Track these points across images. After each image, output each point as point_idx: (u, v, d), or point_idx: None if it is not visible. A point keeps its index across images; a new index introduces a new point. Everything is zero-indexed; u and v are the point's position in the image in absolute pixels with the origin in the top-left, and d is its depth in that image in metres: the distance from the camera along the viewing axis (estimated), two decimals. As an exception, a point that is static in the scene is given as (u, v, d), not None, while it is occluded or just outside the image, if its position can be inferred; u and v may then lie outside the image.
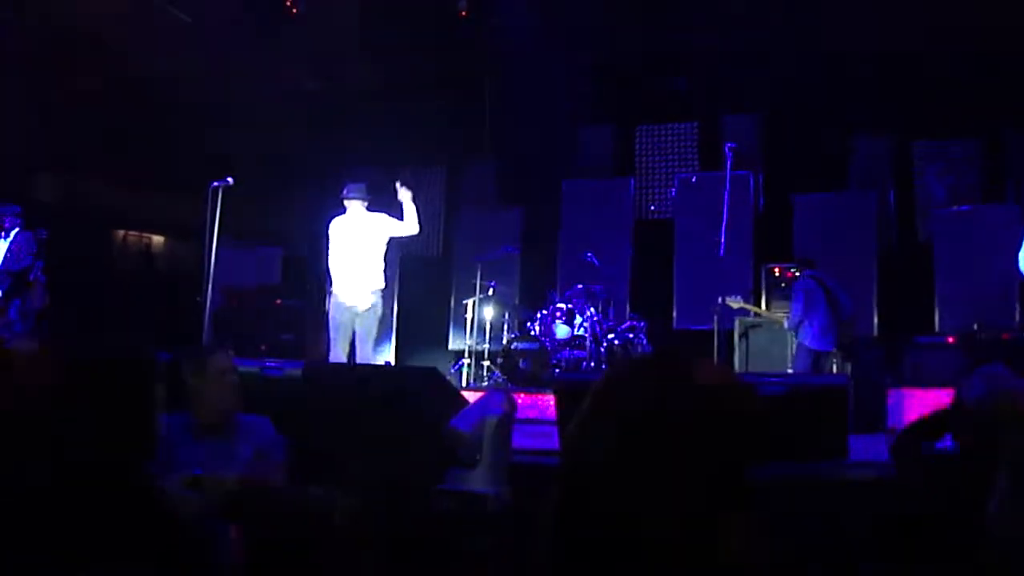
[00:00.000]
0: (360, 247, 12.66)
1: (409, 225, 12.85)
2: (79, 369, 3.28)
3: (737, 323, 14.87)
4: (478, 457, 6.47)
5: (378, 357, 14.01)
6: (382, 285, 12.83)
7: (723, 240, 11.40)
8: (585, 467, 1.95)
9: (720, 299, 14.30)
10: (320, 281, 14.75)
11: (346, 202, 12.83)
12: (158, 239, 19.91)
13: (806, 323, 13.25)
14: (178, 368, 6.29)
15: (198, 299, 11.56)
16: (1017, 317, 14.69)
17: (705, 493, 1.85)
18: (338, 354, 12.49)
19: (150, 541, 3.07)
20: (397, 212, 12.85)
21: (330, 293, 12.82)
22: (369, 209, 12.90)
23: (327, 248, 12.86)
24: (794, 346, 13.56)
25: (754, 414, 1.97)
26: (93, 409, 3.19)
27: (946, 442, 5.23)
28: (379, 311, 12.80)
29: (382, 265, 12.83)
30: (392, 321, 17.43)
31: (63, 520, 2.84)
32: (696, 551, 1.84)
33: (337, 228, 12.81)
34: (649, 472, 1.86)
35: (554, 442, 8.45)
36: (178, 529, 3.28)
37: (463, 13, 17.42)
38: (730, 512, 1.87)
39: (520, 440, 9.03)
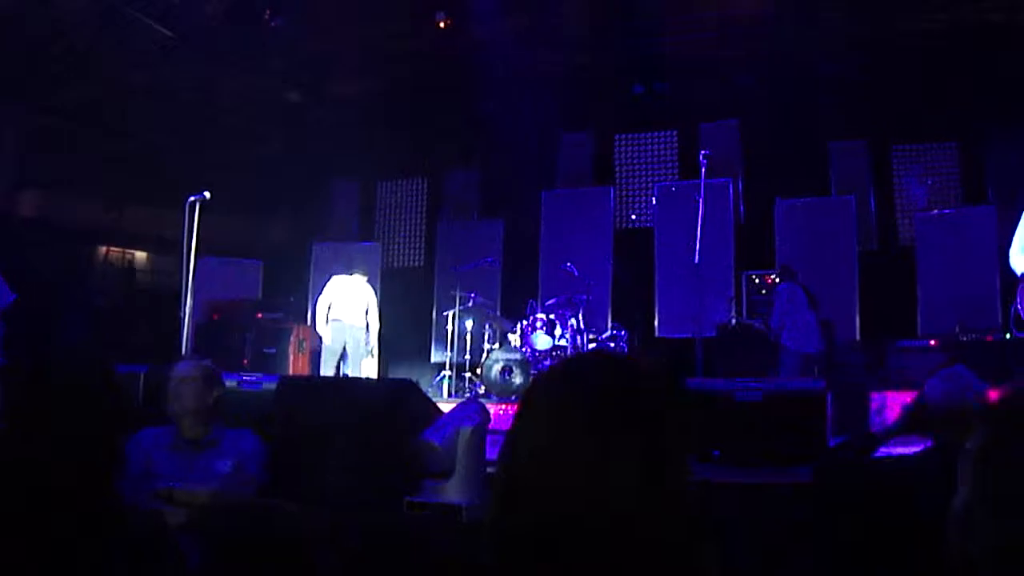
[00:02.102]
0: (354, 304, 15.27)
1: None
2: (33, 385, 3.26)
3: (717, 330, 14.86)
4: (452, 468, 6.43)
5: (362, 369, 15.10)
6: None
7: (698, 248, 11.36)
8: (515, 468, 1.93)
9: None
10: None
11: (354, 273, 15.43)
12: (141, 255, 19.86)
13: (789, 326, 13.25)
14: (157, 383, 6.31)
15: (180, 314, 11.54)
16: (1000, 318, 14.69)
17: (635, 486, 1.83)
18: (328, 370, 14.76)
19: (110, 557, 3.04)
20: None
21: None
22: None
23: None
24: (776, 353, 13.52)
25: (679, 404, 1.96)
26: (48, 424, 3.16)
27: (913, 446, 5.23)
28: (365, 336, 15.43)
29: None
30: (367, 332, 17.48)
31: (20, 541, 2.81)
32: (630, 545, 1.82)
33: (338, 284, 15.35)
34: (576, 467, 1.84)
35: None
36: (142, 544, 3.24)
37: (443, 24, 17.41)
38: (667, 510, 1.86)
39: (496, 451, 9.01)
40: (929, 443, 5.14)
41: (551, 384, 1.99)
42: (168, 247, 15.93)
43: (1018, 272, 9.89)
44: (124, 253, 19.59)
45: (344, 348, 15.07)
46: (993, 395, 2.46)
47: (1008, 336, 12.18)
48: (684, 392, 2.03)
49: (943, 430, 4.97)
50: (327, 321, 15.06)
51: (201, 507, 5.41)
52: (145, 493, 5.52)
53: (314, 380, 12.93)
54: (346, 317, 15.15)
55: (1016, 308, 10.00)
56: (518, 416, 1.98)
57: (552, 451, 1.87)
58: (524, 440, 1.93)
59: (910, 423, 5.22)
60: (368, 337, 15.44)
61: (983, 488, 2.17)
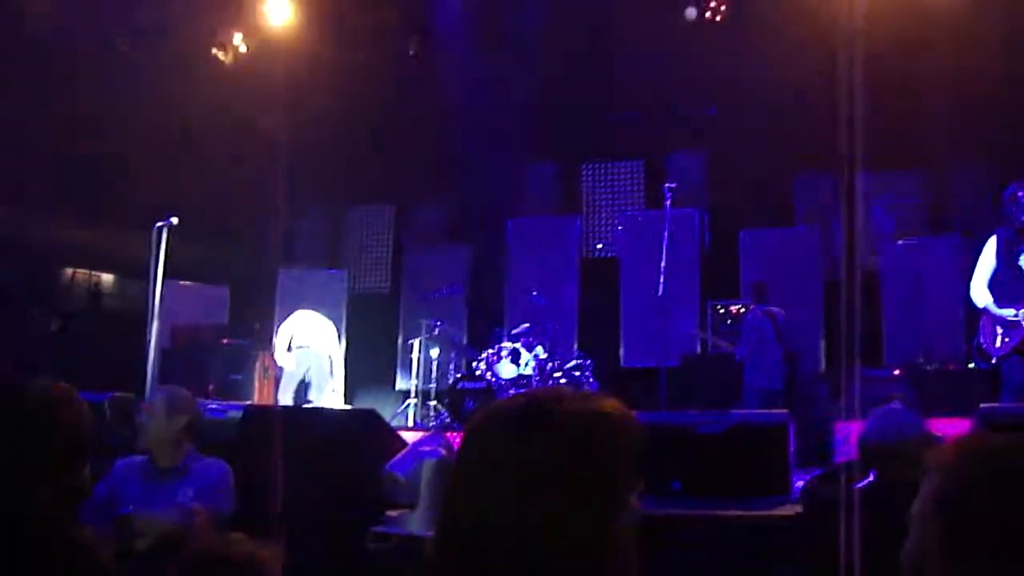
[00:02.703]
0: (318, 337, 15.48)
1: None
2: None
3: (682, 360, 14.88)
4: (415, 500, 6.43)
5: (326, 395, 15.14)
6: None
7: (662, 278, 11.40)
8: (454, 503, 1.95)
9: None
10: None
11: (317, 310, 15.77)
12: (107, 277, 19.75)
13: (755, 360, 13.26)
14: (123, 410, 6.33)
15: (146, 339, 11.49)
16: (964, 348, 14.76)
17: (564, 525, 1.85)
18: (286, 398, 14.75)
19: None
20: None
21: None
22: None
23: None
24: (740, 382, 13.52)
25: (626, 444, 1.97)
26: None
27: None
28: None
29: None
30: (340, 360, 17.40)
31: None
32: None
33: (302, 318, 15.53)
34: (507, 505, 1.86)
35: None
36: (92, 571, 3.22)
37: (413, 52, 17.46)
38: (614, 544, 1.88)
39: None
40: (871, 478, 5.19)
41: (490, 423, 2.00)
42: (135, 271, 15.87)
43: (979, 305, 9.93)
44: (91, 275, 19.50)
45: (307, 374, 15.08)
46: (948, 441, 2.47)
47: (972, 366, 12.23)
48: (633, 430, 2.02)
49: (882, 467, 5.02)
50: (289, 348, 15.03)
51: (160, 535, 5.42)
52: (105, 521, 5.51)
53: (279, 410, 12.88)
54: (311, 343, 15.21)
55: (978, 341, 10.03)
56: (459, 452, 2.01)
57: (484, 489, 1.89)
58: (462, 478, 1.95)
59: (860, 457, 5.29)
60: (331, 366, 15.54)
61: (935, 536, 2.18)
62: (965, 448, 2.29)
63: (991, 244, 9.91)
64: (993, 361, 9.88)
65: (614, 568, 1.90)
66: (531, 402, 2.00)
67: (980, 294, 9.92)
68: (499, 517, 1.86)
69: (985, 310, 9.87)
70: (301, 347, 14.98)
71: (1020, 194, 9.67)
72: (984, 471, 2.18)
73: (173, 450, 6.10)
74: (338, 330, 16.54)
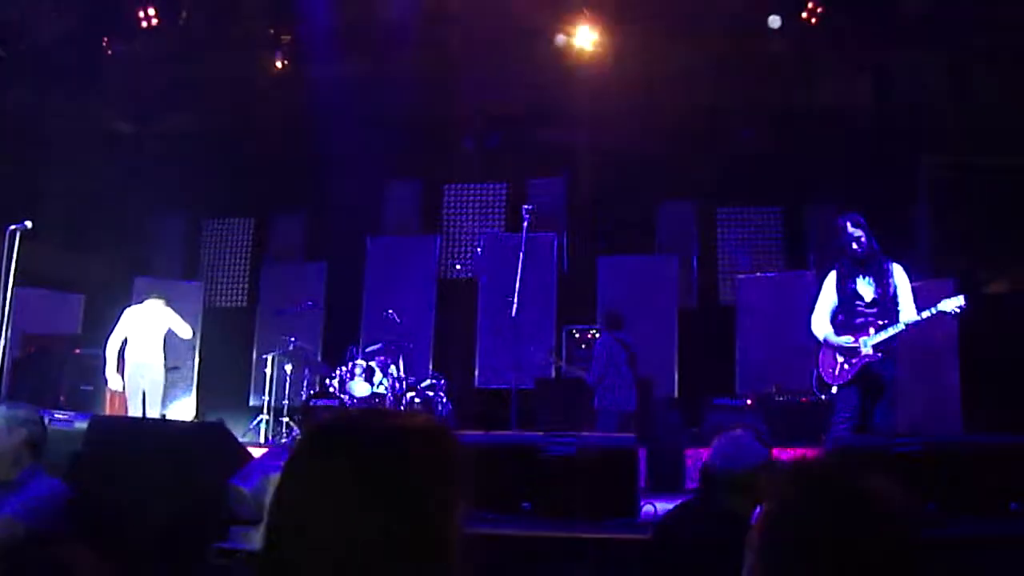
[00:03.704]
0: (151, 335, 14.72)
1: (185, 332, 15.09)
2: None
3: (536, 383, 14.94)
4: (261, 515, 6.35)
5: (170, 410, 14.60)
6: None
7: (516, 300, 11.42)
8: (277, 515, 1.95)
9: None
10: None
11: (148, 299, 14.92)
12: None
13: (607, 383, 13.32)
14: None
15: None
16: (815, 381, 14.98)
17: (382, 540, 1.87)
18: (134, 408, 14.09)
19: None
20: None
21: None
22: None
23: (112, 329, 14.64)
24: (592, 406, 13.58)
25: (441, 457, 1.99)
26: None
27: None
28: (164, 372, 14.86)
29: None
30: (193, 374, 17.14)
31: None
32: None
33: (132, 316, 14.71)
34: (325, 518, 1.87)
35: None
36: None
37: (280, 64, 17.37)
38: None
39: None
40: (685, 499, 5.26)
41: (309, 440, 2.01)
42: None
43: (819, 337, 10.11)
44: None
45: (143, 393, 14.33)
46: (780, 465, 2.53)
47: (823, 398, 12.42)
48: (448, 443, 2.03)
49: (723, 494, 5.05)
50: (118, 368, 14.46)
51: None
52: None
53: (126, 420, 12.71)
54: (140, 357, 14.57)
55: (818, 372, 10.20)
56: (285, 465, 2.01)
57: (303, 506, 1.90)
58: (286, 491, 1.96)
59: (702, 485, 5.32)
60: (171, 375, 15.25)
61: (766, 560, 2.20)
62: (795, 472, 2.33)
63: (831, 278, 10.11)
64: (833, 391, 10.06)
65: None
66: (347, 419, 2.02)
67: (820, 326, 10.09)
68: (318, 534, 1.86)
69: (825, 340, 10.03)
70: (134, 364, 14.58)
71: (849, 225, 9.89)
72: (811, 491, 2.21)
73: (10, 465, 6.01)
74: (193, 342, 16.29)
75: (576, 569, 7.00)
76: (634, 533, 7.10)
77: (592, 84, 16.39)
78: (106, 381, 14.57)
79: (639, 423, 13.20)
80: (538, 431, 8.68)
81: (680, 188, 17.12)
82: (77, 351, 16.04)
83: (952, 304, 9.49)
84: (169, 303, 14.97)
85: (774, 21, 15.65)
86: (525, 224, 11.96)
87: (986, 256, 14.73)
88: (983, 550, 6.66)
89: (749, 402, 14.21)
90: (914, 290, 9.73)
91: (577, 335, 15.96)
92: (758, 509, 2.31)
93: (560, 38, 16.39)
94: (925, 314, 9.52)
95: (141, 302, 15.01)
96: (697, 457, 11.92)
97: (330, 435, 1.98)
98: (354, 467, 1.90)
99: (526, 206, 12.23)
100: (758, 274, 16.57)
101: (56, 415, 8.69)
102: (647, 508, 8.21)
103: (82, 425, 8.37)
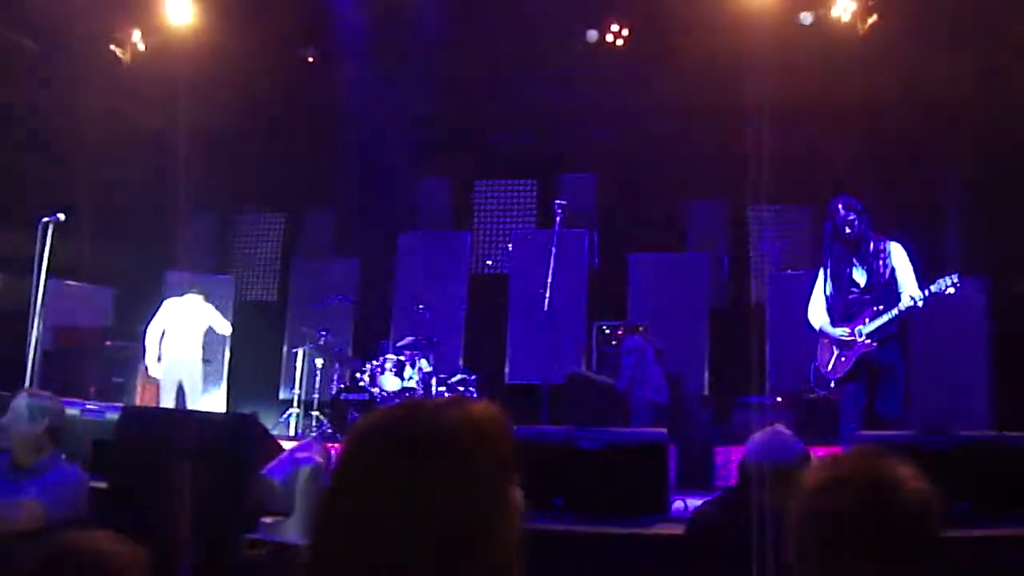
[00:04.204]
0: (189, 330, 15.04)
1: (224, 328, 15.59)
2: None
3: (567, 379, 14.91)
4: (291, 506, 6.37)
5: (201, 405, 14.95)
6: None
7: (548, 296, 11.41)
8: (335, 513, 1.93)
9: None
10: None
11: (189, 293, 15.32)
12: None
13: (638, 377, 13.29)
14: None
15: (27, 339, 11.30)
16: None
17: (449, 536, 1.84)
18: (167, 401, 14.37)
19: None
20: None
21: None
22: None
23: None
24: (623, 403, 13.53)
25: (500, 444, 1.97)
26: None
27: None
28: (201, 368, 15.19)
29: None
30: (223, 368, 17.19)
31: None
32: None
33: (171, 308, 15.10)
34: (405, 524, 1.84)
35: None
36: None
37: (309, 60, 17.38)
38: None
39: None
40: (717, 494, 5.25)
41: (369, 434, 1.98)
42: (17, 268, 15.61)
43: (815, 326, 9.99)
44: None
45: (181, 386, 14.72)
46: (815, 459, 2.54)
47: (822, 394, 12.34)
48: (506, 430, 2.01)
49: (761, 489, 5.04)
50: (159, 358, 14.76)
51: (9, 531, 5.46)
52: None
53: (157, 411, 12.76)
54: (178, 351, 14.84)
55: (815, 365, 10.08)
56: (338, 461, 1.98)
57: (365, 499, 1.87)
58: (343, 487, 1.93)
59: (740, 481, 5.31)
60: (205, 368, 15.37)
61: (806, 551, 2.21)
62: (831, 463, 2.33)
63: (825, 266, 9.98)
64: (832, 385, 9.92)
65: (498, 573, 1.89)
66: (409, 413, 1.99)
67: (817, 314, 9.97)
68: (381, 528, 1.83)
69: (821, 331, 9.91)
70: (171, 358, 14.73)
71: (841, 207, 9.73)
72: (851, 480, 2.21)
73: (32, 452, 6.16)
74: (223, 337, 16.35)
75: (608, 565, 6.99)
76: (666, 528, 7.09)
77: (623, 80, 16.38)
78: (146, 368, 14.77)
79: (669, 420, 13.17)
80: (569, 426, 8.64)
81: (711, 185, 17.06)
82: (108, 343, 16.12)
83: (947, 283, 9.22)
84: (208, 299, 15.29)
85: (805, 18, 15.61)
86: (558, 219, 11.96)
87: (1018, 254, 14.62)
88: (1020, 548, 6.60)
89: (779, 399, 14.15)
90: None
91: (608, 331, 15.93)
92: (796, 502, 2.32)
93: (591, 34, 16.36)
94: (917, 295, 9.30)
95: (181, 295, 15.28)
96: (727, 455, 11.89)
97: (393, 428, 1.95)
98: (421, 460, 1.87)
99: (558, 201, 12.22)
100: (789, 271, 16.49)
101: (88, 405, 8.74)
102: (678, 504, 8.20)
103: (113, 416, 8.41)
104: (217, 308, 15.52)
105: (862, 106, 14.86)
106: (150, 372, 14.79)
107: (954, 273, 9.30)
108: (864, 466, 2.27)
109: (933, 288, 9.25)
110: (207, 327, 15.20)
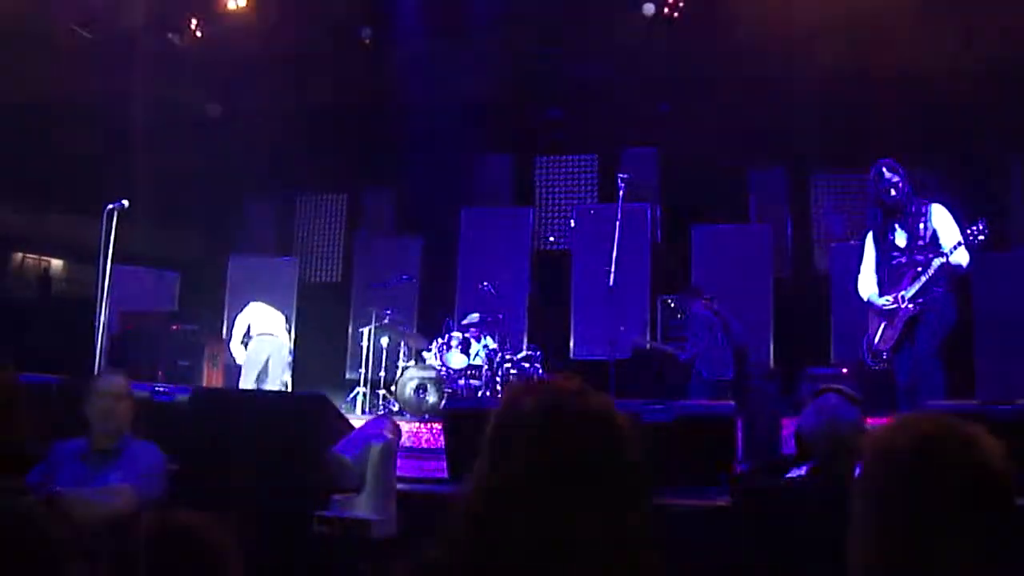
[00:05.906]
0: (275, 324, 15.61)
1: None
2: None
3: (632, 353, 14.88)
4: (362, 483, 6.40)
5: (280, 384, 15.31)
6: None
7: (612, 271, 11.39)
8: (494, 500, 1.94)
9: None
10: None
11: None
12: (57, 262, 19.66)
13: (704, 354, 13.26)
14: (72, 394, 6.35)
15: (95, 324, 11.42)
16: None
17: (611, 518, 1.85)
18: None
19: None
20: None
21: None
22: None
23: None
24: (690, 376, 13.52)
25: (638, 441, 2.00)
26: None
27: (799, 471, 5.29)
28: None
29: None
30: (290, 348, 17.32)
31: None
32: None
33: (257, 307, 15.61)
34: (557, 502, 1.85)
35: (443, 470, 8.45)
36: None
37: (367, 41, 17.40)
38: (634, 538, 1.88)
39: (409, 468, 9.01)
40: (804, 468, 5.22)
41: (530, 419, 1.99)
42: (85, 255, 15.76)
43: (863, 297, 9.85)
44: (40, 260, 19.40)
45: (267, 362, 15.11)
46: (872, 427, 2.54)
47: (875, 368, 12.22)
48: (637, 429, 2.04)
49: (819, 456, 5.04)
50: (247, 337, 15.08)
51: (103, 516, 5.43)
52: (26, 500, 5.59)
53: (227, 393, 12.89)
54: (273, 331, 15.35)
55: (868, 337, 9.92)
56: (490, 447, 1.99)
57: (526, 492, 1.88)
58: (502, 474, 1.94)
59: (797, 449, 5.31)
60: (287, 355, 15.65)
61: (861, 520, 2.21)
62: (891, 429, 2.33)
63: (870, 234, 9.85)
64: (884, 357, 9.77)
65: (638, 558, 1.91)
66: (555, 400, 1.99)
67: (865, 285, 9.83)
68: (535, 531, 1.84)
69: (869, 303, 9.79)
70: (263, 335, 14.95)
71: (885, 170, 9.54)
72: (909, 445, 2.21)
73: (116, 434, 6.23)
74: (288, 318, 16.50)
75: (675, 538, 6.99)
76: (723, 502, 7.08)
77: (680, 53, 16.30)
78: (230, 352, 15.08)
79: (735, 392, 13.12)
80: (635, 400, 8.62)
81: (774, 154, 16.98)
82: (174, 328, 16.26)
83: (976, 231, 9.01)
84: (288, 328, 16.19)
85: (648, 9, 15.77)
86: (621, 192, 11.91)
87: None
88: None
89: (845, 371, 14.04)
90: (1007, 258, 9.32)
91: (672, 305, 15.89)
92: (858, 466, 2.31)
93: (648, 7, 16.29)
94: (948, 248, 9.06)
95: (256, 301, 15.80)
96: (793, 426, 11.84)
97: (537, 419, 1.95)
98: (569, 449, 1.87)
99: (621, 175, 12.17)
100: (852, 241, 16.37)
101: (157, 388, 8.81)
102: (745, 476, 8.18)
103: (183, 398, 8.49)
104: (281, 289, 16.48)
105: (924, 71, 14.68)
106: (233, 351, 15.12)
107: (980, 221, 9.13)
108: (947, 426, 2.26)
109: (959, 238, 9.12)
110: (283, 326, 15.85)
